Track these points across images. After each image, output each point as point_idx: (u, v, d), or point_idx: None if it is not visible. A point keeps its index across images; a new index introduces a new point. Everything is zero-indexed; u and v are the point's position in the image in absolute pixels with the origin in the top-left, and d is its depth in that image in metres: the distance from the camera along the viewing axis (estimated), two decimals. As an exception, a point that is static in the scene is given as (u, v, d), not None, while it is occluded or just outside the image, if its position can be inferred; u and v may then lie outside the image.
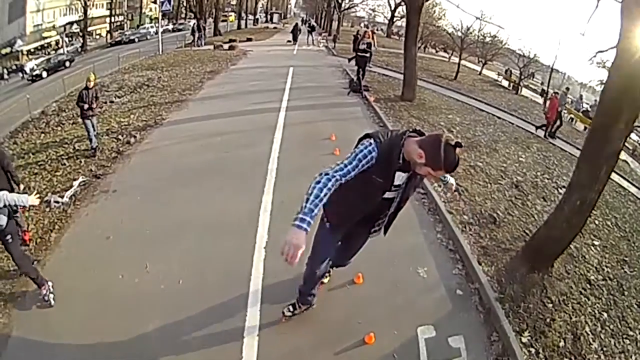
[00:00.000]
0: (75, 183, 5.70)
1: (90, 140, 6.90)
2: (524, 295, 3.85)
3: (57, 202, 5.25)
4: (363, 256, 3.92)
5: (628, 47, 3.57)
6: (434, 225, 4.94)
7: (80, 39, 34.81)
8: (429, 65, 22.46)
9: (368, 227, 2.84)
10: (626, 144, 6.57)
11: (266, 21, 57.66)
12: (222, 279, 3.74)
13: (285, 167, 6.08)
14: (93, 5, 35.14)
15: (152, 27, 37.47)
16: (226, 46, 22.07)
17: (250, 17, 51.49)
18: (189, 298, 3.52)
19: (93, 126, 6.93)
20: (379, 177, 2.37)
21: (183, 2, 42.81)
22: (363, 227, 2.86)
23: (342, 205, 2.59)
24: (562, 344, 3.44)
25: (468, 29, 23.36)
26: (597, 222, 6.17)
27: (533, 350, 3.33)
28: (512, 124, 11.77)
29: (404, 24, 16.17)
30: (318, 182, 2.17)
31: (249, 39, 27.43)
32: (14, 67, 28.54)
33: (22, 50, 30.46)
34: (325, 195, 2.15)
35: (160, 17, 27.28)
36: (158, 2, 25.09)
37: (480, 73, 26.95)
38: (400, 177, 2.43)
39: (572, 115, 18.87)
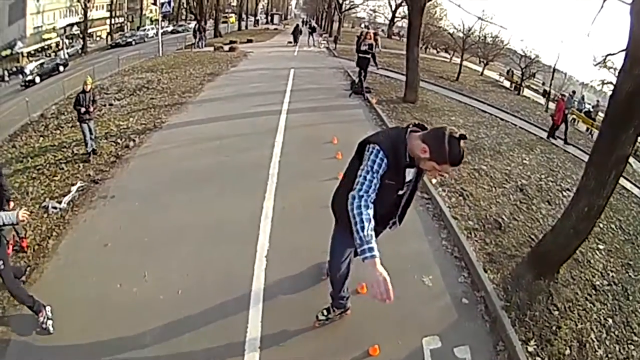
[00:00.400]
0: (74, 188, 5.64)
1: (86, 144, 6.83)
2: (530, 302, 3.79)
3: (55, 207, 5.21)
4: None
5: (639, 50, 3.47)
6: (439, 231, 4.85)
7: (81, 41, 34.80)
8: (431, 66, 22.36)
9: (383, 224, 2.80)
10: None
11: (267, 22, 57.67)
12: (222, 290, 3.65)
13: (287, 172, 6.00)
14: (93, 7, 35.13)
15: (152, 28, 37.47)
16: (226, 48, 22.06)
17: (251, 18, 51.50)
18: (189, 309, 3.43)
19: (90, 130, 6.86)
20: (392, 180, 2.36)
21: (183, 3, 42.81)
22: (379, 226, 2.77)
23: None
24: (567, 352, 3.39)
25: (470, 29, 23.28)
26: (601, 225, 6.07)
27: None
28: (515, 125, 11.67)
29: (404, 25, 16.10)
30: (358, 207, 2.14)
31: (250, 40, 27.46)
32: (14, 69, 28.49)
33: (22, 52, 30.45)
34: (370, 214, 2.13)
35: (160, 19, 27.25)
36: (158, 3, 25.03)
37: (481, 73, 26.83)
38: (410, 173, 2.44)
39: (575, 116, 18.76)
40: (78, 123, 7.03)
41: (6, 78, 27.68)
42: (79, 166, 6.51)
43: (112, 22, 39.45)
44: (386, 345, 3.19)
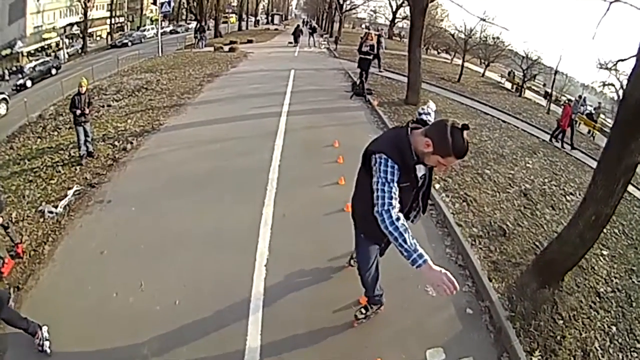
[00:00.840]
0: (70, 192, 5.56)
1: (79, 147, 6.74)
2: (534, 312, 3.72)
3: (51, 212, 5.14)
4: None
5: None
6: (442, 239, 4.75)
7: (81, 41, 34.72)
8: (432, 67, 22.27)
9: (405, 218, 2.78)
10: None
11: (267, 23, 57.60)
12: (221, 301, 3.55)
13: (287, 177, 5.89)
14: (93, 6, 35.04)
15: (152, 28, 37.38)
16: (226, 48, 22.01)
17: (252, 18, 51.43)
18: (186, 320, 3.34)
19: (86, 132, 6.76)
20: (406, 181, 2.35)
21: (184, 3, 42.76)
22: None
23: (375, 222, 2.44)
24: (572, 361, 3.34)
25: (471, 30, 23.19)
26: (605, 230, 5.99)
27: (544, 370, 3.20)
28: (517, 127, 11.58)
29: (404, 25, 16.03)
30: (391, 224, 2.14)
31: (250, 41, 27.41)
32: (14, 69, 28.40)
33: (22, 52, 30.36)
34: (403, 223, 2.15)
35: (160, 19, 27.18)
36: (158, 3, 24.95)
37: (483, 75, 26.75)
38: (421, 168, 2.43)
39: (576, 118, 18.69)
40: (74, 126, 6.93)
41: (6, 77, 27.57)
42: (76, 169, 6.42)
43: (112, 22, 39.34)
44: (389, 358, 3.11)
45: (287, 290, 3.69)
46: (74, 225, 4.82)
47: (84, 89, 6.78)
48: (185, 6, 42.16)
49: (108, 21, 38.95)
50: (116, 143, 7.36)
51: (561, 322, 3.72)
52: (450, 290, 1.98)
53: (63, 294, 3.67)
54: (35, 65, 26.06)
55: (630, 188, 9.08)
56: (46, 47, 32.62)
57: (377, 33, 17.67)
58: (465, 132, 2.10)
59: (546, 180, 7.39)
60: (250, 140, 7.46)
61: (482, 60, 27.37)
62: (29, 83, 23.42)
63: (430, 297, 3.81)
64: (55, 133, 9.03)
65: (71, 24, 34.64)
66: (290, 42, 26.83)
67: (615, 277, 4.76)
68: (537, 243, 4.94)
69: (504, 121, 11.89)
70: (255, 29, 45.17)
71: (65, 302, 3.56)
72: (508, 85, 26.46)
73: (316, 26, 35.06)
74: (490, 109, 13.59)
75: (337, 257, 4.11)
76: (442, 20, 40.70)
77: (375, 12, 51.39)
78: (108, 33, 38.67)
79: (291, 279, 3.83)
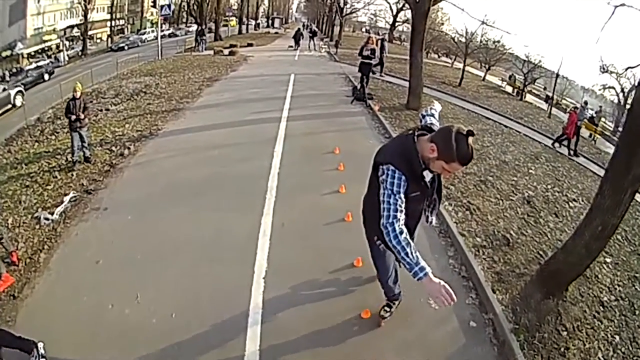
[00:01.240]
0: (66, 199, 5.49)
1: (72, 152, 6.64)
2: (538, 324, 3.67)
3: (47, 219, 5.09)
4: (370, 288, 3.68)
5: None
6: (446, 249, 4.65)
7: (81, 43, 34.71)
8: (433, 71, 22.22)
9: (415, 222, 2.84)
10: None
11: (267, 26, 57.55)
12: (218, 314, 3.46)
13: (286, 185, 5.79)
14: (94, 9, 35.04)
15: (152, 31, 37.36)
16: (226, 51, 21.99)
17: (252, 22, 51.42)
18: (182, 334, 3.25)
19: (82, 138, 6.67)
20: (415, 190, 2.38)
21: (184, 6, 42.79)
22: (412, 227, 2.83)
23: None
24: (575, 373, 3.27)
25: (472, 34, 23.15)
26: (608, 237, 5.93)
27: (547, 383, 3.12)
28: (519, 132, 11.49)
29: (405, 29, 15.95)
30: (395, 237, 2.19)
31: (250, 44, 27.36)
32: (14, 70, 28.36)
33: (22, 53, 30.35)
34: (406, 237, 2.19)
35: (160, 22, 27.17)
36: (157, 6, 24.94)
37: (483, 79, 26.72)
38: (428, 175, 2.44)
39: (581, 125, 18.66)
40: (69, 131, 6.83)
41: (7, 78, 27.53)
42: (73, 175, 6.35)
43: (113, 24, 39.34)
44: (391, 373, 3.01)
45: (286, 303, 3.60)
46: (70, 232, 4.76)
47: (78, 94, 6.68)
48: (186, 9, 42.16)
49: (108, 24, 38.97)
50: (113, 148, 7.28)
51: (565, 333, 3.67)
52: (448, 302, 2.04)
53: (58, 304, 3.61)
54: (28, 71, 25.75)
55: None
56: (46, 49, 32.61)
57: (380, 37, 17.44)
58: (470, 139, 2.11)
59: (549, 186, 7.31)
60: (250, 147, 7.36)
61: (483, 64, 27.32)
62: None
63: (433, 310, 3.73)
64: (53, 137, 8.97)
65: (71, 26, 34.69)
66: (291, 46, 26.80)
67: (619, 285, 4.71)
68: (541, 252, 4.87)
69: (505, 126, 11.81)
70: (256, 33, 45.15)
71: (60, 312, 3.51)
72: (509, 89, 26.44)
73: (317, 30, 35.06)
74: (492, 113, 13.50)
75: (337, 269, 4.02)
76: (442, 24, 40.76)
77: (375, 15, 51.53)
78: (108, 36, 38.68)
79: (290, 292, 3.74)
